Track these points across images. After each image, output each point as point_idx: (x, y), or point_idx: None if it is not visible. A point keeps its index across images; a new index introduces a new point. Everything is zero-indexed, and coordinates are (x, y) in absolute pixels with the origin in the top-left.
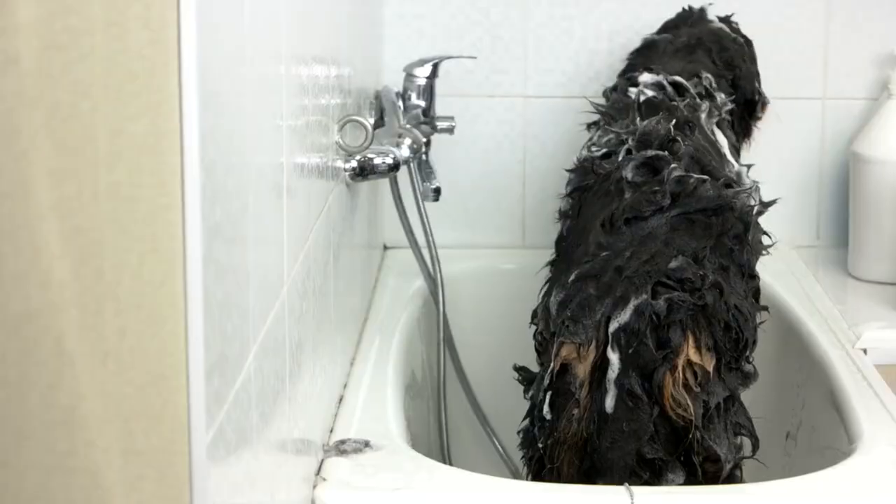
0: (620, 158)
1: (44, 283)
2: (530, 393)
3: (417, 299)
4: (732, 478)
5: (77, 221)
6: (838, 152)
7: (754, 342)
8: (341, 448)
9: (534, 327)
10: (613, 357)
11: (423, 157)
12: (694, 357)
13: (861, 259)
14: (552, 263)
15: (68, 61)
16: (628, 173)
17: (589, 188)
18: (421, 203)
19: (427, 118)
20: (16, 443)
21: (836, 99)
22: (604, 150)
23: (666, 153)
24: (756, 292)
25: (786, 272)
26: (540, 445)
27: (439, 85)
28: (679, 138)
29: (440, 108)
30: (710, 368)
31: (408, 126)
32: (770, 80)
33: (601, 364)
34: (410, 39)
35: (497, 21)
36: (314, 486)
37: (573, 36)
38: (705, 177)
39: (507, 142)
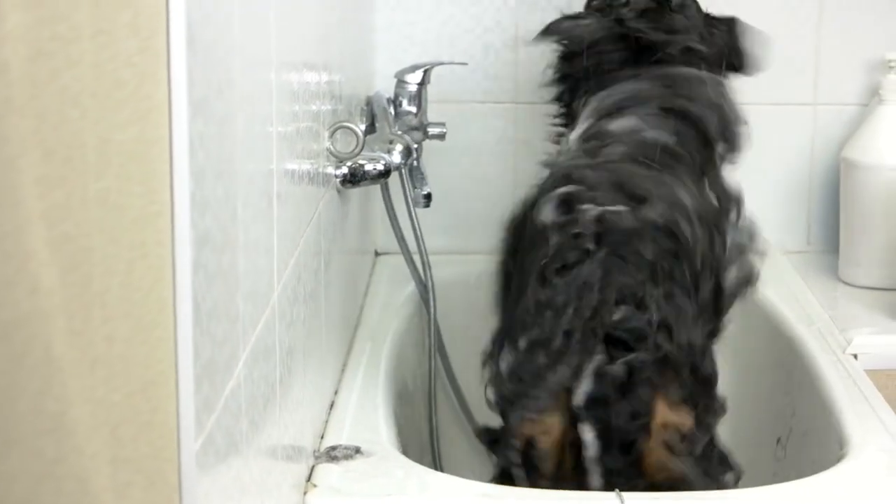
0: (542, 199)
1: (32, 289)
2: (495, 455)
3: (409, 305)
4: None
5: (65, 228)
6: (829, 158)
7: (717, 375)
8: (332, 454)
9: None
10: (588, 435)
11: (415, 163)
12: (670, 416)
13: (852, 264)
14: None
15: (56, 69)
16: (548, 216)
17: (522, 224)
18: (412, 209)
19: (418, 124)
20: (4, 450)
21: (828, 105)
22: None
23: (577, 187)
24: (717, 296)
25: (776, 277)
26: None
27: (430, 91)
28: (589, 164)
29: (431, 115)
30: (691, 424)
31: (399, 132)
32: (761, 86)
33: (571, 436)
34: (401, 46)
35: (488, 27)
36: (305, 493)
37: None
38: (620, 209)
39: (499, 148)
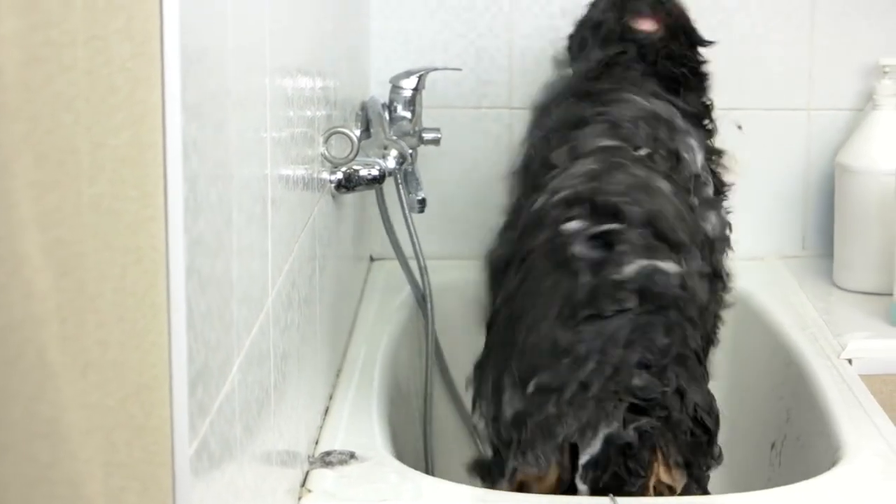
0: (571, 226)
1: (25, 294)
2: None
3: (404, 310)
4: None
5: (59, 233)
6: (824, 163)
7: (718, 427)
8: (327, 460)
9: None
10: (582, 486)
11: (409, 168)
12: (664, 477)
13: (846, 269)
14: (489, 328)
15: (50, 74)
16: (580, 247)
17: (534, 249)
18: (407, 214)
19: (413, 130)
20: None
21: (822, 110)
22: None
23: (617, 225)
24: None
25: (771, 282)
26: None
27: (426, 97)
28: (629, 199)
29: (426, 120)
30: (680, 486)
31: (394, 137)
32: (755, 91)
33: (563, 484)
34: (396, 51)
35: (482, 32)
36: (299, 498)
37: (558, 47)
38: (673, 267)
39: (494, 153)
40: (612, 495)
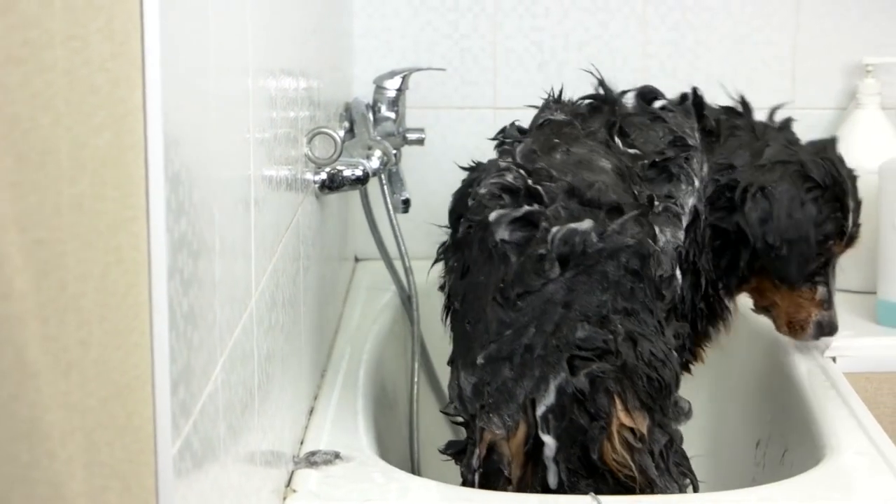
0: (494, 214)
1: (5, 294)
2: (461, 466)
3: (388, 311)
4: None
5: (39, 234)
6: None
7: (677, 381)
8: (311, 460)
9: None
10: (547, 438)
11: (394, 168)
12: (626, 420)
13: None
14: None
15: (28, 74)
16: (504, 233)
17: (468, 241)
18: (392, 215)
19: (397, 130)
20: None
21: (805, 109)
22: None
23: (536, 206)
24: (669, 312)
25: None
26: None
27: (410, 97)
28: (544, 170)
29: (410, 120)
30: (644, 428)
31: (378, 138)
32: (739, 90)
33: (533, 442)
34: (380, 52)
35: (466, 33)
36: (284, 498)
37: (542, 47)
38: (588, 224)
39: (478, 153)
40: (593, 493)
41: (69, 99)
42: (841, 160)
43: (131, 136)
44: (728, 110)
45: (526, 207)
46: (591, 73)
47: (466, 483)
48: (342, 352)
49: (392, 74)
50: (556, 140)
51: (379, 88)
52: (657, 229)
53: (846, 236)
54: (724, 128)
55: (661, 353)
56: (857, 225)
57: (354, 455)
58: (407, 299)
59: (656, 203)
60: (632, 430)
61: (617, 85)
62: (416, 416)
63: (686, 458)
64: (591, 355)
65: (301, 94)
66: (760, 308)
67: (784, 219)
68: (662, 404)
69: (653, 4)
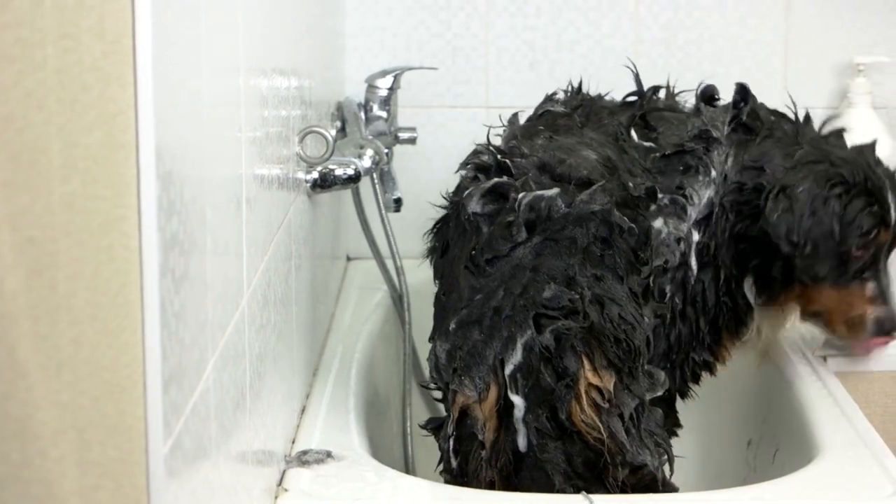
0: (469, 191)
1: None
2: (439, 439)
3: (380, 310)
4: (657, 481)
5: (30, 233)
6: None
7: (648, 346)
8: (303, 459)
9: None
10: (516, 399)
11: (385, 167)
12: (593, 379)
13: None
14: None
15: (20, 73)
16: (476, 206)
17: (447, 221)
18: (384, 214)
19: (389, 129)
20: None
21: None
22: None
23: (505, 178)
24: (646, 289)
25: None
26: None
27: (402, 96)
28: (517, 148)
29: (402, 119)
30: (611, 386)
31: (370, 137)
32: (731, 91)
33: (504, 404)
34: (372, 51)
35: (458, 32)
36: (276, 497)
37: (534, 46)
38: (554, 191)
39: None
40: (584, 493)
41: (61, 98)
42: (877, 160)
43: (123, 135)
44: (779, 114)
45: (495, 180)
46: (630, 68)
47: (443, 453)
48: (334, 351)
49: (384, 73)
50: (541, 128)
51: (371, 87)
52: (661, 220)
53: (891, 228)
54: (764, 126)
55: (630, 317)
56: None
57: (346, 454)
58: (398, 298)
59: (660, 195)
60: (600, 390)
61: (605, 84)
62: (408, 414)
63: (658, 426)
64: (557, 314)
65: (293, 94)
66: (808, 315)
67: (807, 217)
68: (631, 367)
69: (645, 4)
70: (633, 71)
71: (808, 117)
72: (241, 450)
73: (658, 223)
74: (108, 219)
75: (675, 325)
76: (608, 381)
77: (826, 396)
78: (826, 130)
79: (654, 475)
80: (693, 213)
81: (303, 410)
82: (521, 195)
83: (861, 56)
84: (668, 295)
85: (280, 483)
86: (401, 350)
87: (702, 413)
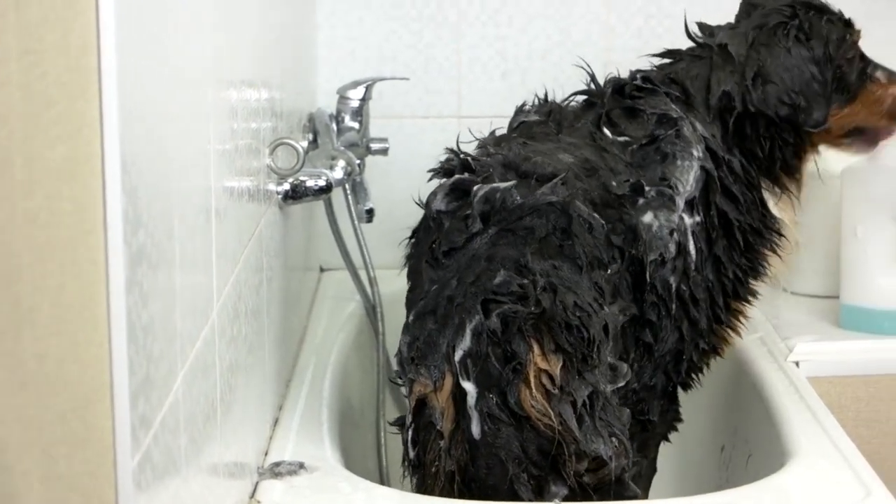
0: (434, 190)
1: None
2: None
3: (354, 320)
4: (622, 482)
5: None
6: None
7: (607, 334)
8: (276, 470)
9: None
10: (468, 385)
11: (358, 178)
12: (542, 364)
13: (794, 273)
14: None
15: None
16: (440, 204)
17: (420, 227)
18: (356, 224)
19: (361, 140)
20: None
21: None
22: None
23: (466, 175)
24: (615, 286)
25: None
26: (412, 484)
27: (373, 107)
28: (484, 149)
29: (374, 130)
30: (558, 370)
31: (341, 148)
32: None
33: (459, 393)
34: (344, 62)
35: (430, 42)
36: None
37: (506, 55)
38: (510, 183)
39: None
40: (557, 500)
41: (25, 113)
42: None
43: (88, 149)
44: (666, 66)
45: (457, 176)
46: (584, 68)
47: (404, 446)
48: (307, 362)
49: (355, 84)
50: (515, 135)
51: (342, 98)
52: (651, 214)
53: (852, 23)
54: (684, 80)
55: (586, 305)
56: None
57: (319, 465)
58: (372, 309)
59: (647, 189)
60: (550, 376)
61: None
62: (382, 425)
63: (618, 419)
64: (506, 300)
65: (263, 105)
66: (851, 136)
67: (786, 79)
68: (585, 353)
69: (616, 12)
70: (588, 72)
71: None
72: (213, 462)
73: (648, 217)
74: (74, 233)
75: (687, 314)
76: (555, 366)
77: (798, 401)
78: (703, 32)
79: (619, 475)
80: (680, 201)
81: (276, 422)
82: (476, 187)
83: None
84: (674, 286)
85: (253, 495)
86: (374, 360)
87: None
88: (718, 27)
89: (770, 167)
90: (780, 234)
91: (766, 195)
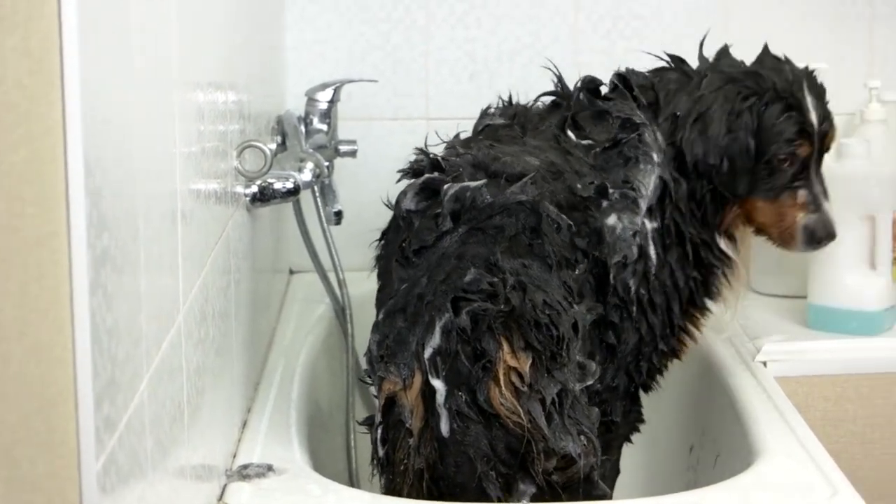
0: (403, 190)
1: None
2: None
3: (323, 322)
4: (591, 481)
5: None
6: None
7: (576, 332)
8: (244, 473)
9: None
10: (437, 383)
11: (326, 180)
12: (511, 362)
13: (762, 273)
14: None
15: None
16: (410, 203)
17: (390, 227)
18: (325, 227)
19: (329, 142)
20: None
21: None
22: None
23: (436, 174)
24: (582, 285)
25: None
26: (381, 482)
27: (342, 109)
28: (452, 149)
29: (343, 132)
30: (527, 368)
31: (310, 150)
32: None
33: (429, 390)
34: (313, 64)
35: (398, 44)
36: None
37: (475, 57)
38: (480, 182)
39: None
40: (526, 500)
41: None
42: (786, 59)
43: (50, 151)
44: (658, 71)
45: (427, 175)
46: (551, 69)
47: (374, 445)
48: (276, 364)
49: (324, 86)
50: (482, 138)
51: (311, 100)
52: (615, 217)
53: (814, 134)
54: (659, 90)
55: (556, 304)
56: (827, 120)
57: (287, 467)
58: (341, 311)
59: (611, 191)
60: (520, 373)
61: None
62: (352, 427)
63: (587, 417)
64: (476, 297)
65: (230, 108)
66: (756, 232)
67: (722, 136)
68: (554, 351)
69: (584, 13)
70: (555, 73)
71: (675, 57)
72: (179, 465)
73: (612, 220)
74: (37, 236)
75: (646, 317)
76: (524, 363)
77: (766, 401)
78: (717, 56)
79: (589, 474)
80: (643, 204)
81: (244, 424)
82: (446, 186)
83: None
84: (633, 289)
85: (221, 498)
86: (343, 363)
87: (645, 419)
88: (728, 60)
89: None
90: (729, 257)
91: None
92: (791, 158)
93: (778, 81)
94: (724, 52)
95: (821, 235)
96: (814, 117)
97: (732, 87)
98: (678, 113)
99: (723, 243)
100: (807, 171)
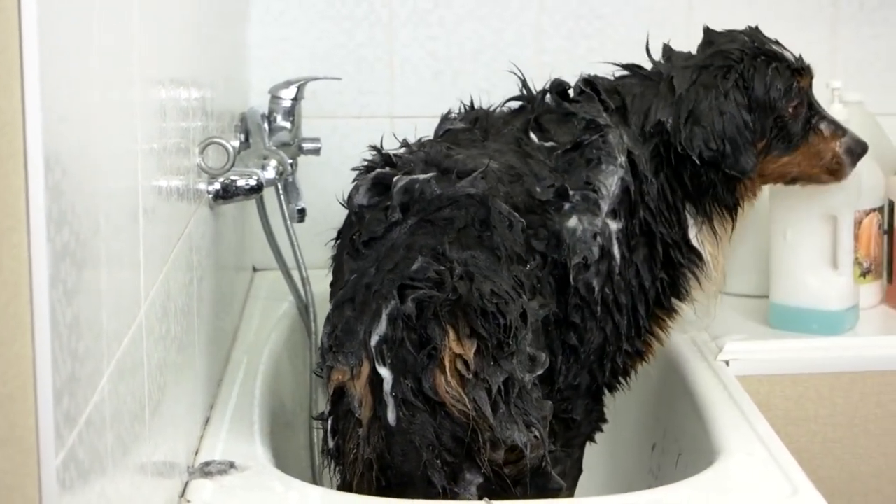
0: (356, 186)
1: None
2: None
3: (286, 320)
4: (545, 474)
5: None
6: None
7: (525, 322)
8: (206, 470)
9: None
10: (383, 371)
11: (290, 178)
12: (457, 349)
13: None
14: None
15: None
16: (362, 199)
17: (344, 224)
18: (289, 224)
19: (293, 140)
20: None
21: None
22: None
23: (388, 169)
24: (535, 282)
25: None
26: (331, 474)
27: (306, 106)
28: (406, 148)
29: (307, 130)
30: (472, 354)
31: (273, 148)
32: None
33: (376, 379)
34: (277, 61)
35: (362, 42)
36: None
37: (438, 56)
38: (429, 175)
39: None
40: (486, 498)
41: None
42: (752, 30)
43: (10, 146)
44: (620, 78)
45: (378, 170)
46: (515, 73)
47: (324, 436)
48: (239, 361)
49: (287, 84)
50: (440, 141)
51: (274, 98)
52: (575, 218)
53: (802, 67)
54: (625, 94)
55: (503, 293)
56: (796, 54)
57: (250, 465)
58: (304, 309)
59: (571, 193)
60: (465, 361)
61: (509, 94)
62: (314, 425)
63: (536, 409)
64: (422, 285)
65: (193, 105)
66: (791, 182)
67: (716, 123)
68: (501, 339)
69: (547, 13)
70: (520, 77)
71: (631, 66)
72: (141, 461)
73: (572, 222)
74: None
75: (611, 316)
76: (469, 350)
77: (727, 400)
78: (664, 55)
79: (542, 467)
80: (605, 205)
81: (207, 421)
82: (396, 178)
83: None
84: (597, 289)
85: (182, 494)
86: (306, 360)
87: (607, 418)
88: (679, 54)
89: (699, 198)
90: (700, 259)
91: (690, 222)
92: (799, 101)
93: (742, 46)
94: (669, 49)
95: (860, 151)
96: (789, 55)
97: (706, 73)
98: (662, 119)
99: (696, 242)
100: (812, 105)
